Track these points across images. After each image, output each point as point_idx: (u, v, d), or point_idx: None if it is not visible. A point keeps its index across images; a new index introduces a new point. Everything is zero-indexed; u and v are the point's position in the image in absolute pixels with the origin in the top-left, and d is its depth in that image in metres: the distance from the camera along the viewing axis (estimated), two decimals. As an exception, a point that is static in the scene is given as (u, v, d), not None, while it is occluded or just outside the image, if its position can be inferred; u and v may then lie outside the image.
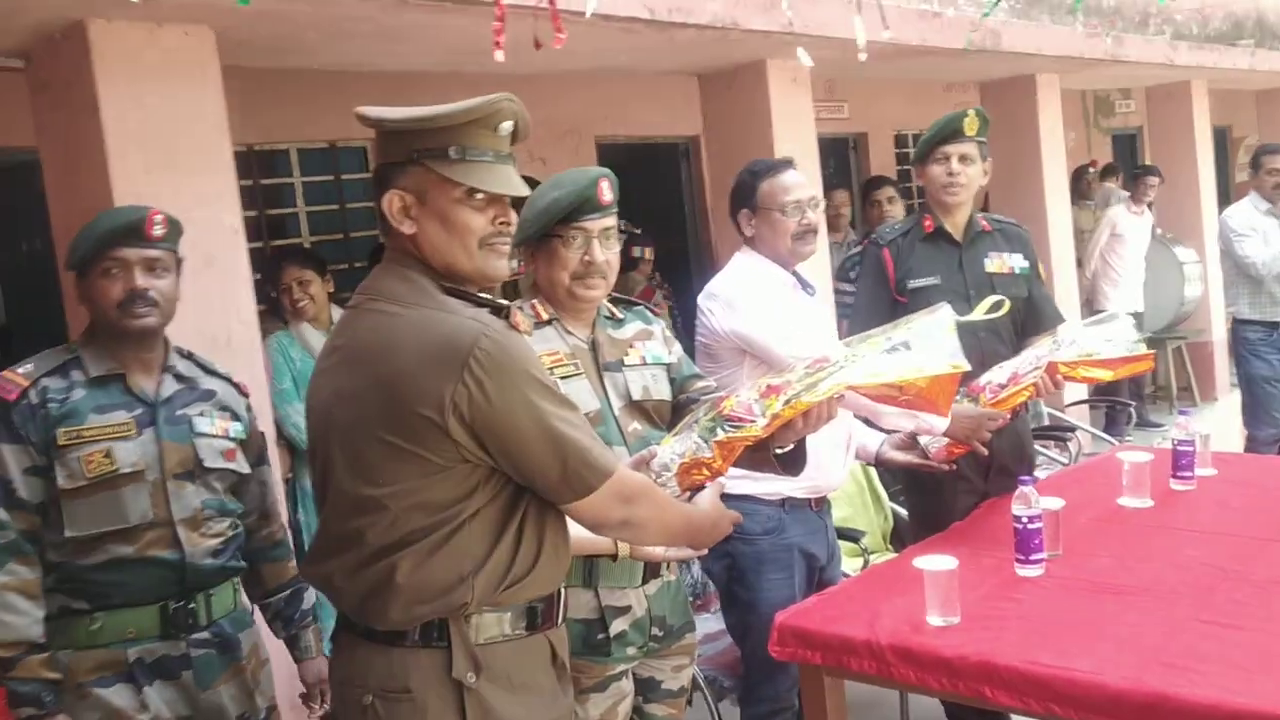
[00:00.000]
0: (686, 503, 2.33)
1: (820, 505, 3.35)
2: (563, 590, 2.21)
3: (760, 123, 5.61)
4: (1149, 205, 8.52)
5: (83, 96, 3.50)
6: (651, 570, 2.70)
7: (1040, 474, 4.45)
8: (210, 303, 3.63)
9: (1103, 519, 3.29)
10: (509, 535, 2.04)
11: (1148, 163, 9.25)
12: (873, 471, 4.68)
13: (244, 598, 2.87)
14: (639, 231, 6.69)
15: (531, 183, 2.51)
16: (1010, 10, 6.26)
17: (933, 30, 5.51)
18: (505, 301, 2.11)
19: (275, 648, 2.96)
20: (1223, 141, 12.41)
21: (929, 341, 2.56)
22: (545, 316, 2.68)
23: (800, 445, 2.53)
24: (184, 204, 3.41)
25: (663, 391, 2.78)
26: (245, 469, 2.81)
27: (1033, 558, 2.85)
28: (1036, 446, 4.90)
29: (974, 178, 3.67)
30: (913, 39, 5.56)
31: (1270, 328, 6.14)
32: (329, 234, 6.32)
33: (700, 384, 2.84)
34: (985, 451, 3.34)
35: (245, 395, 2.90)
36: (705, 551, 2.45)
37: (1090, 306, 8.11)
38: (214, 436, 2.72)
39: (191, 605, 2.64)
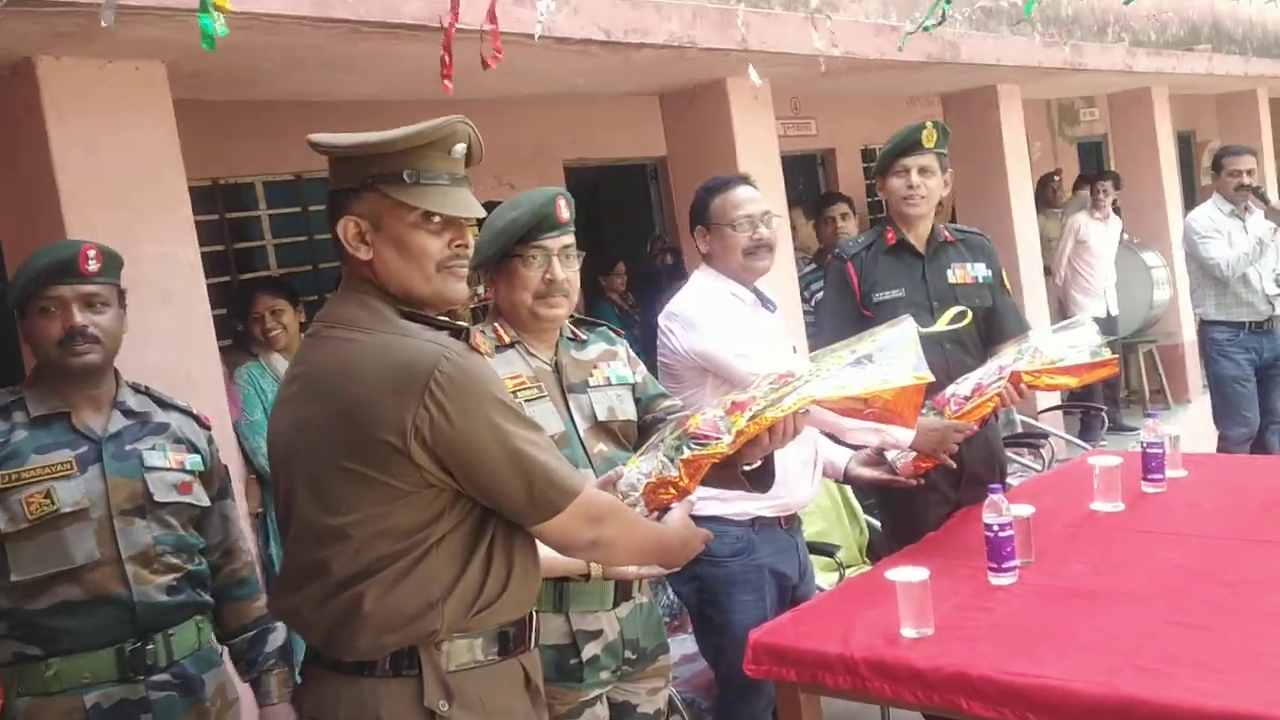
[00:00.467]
0: (656, 522, 2.32)
1: (790, 523, 3.33)
2: (535, 613, 2.20)
3: (723, 142, 5.61)
4: (1116, 211, 8.59)
5: (33, 134, 3.47)
6: (623, 592, 2.68)
7: (1013, 481, 4.45)
8: (168, 339, 3.59)
9: (1075, 524, 3.29)
10: (478, 559, 2.03)
11: (1112, 169, 9.32)
12: (847, 486, 4.67)
13: (211, 636, 2.80)
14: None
15: (492, 208, 2.50)
16: (969, 22, 6.29)
17: (890, 44, 5.54)
18: (465, 324, 2.10)
19: (247, 687, 2.91)
20: (1187, 146, 12.53)
21: (893, 354, 2.57)
22: (507, 339, 2.67)
23: (768, 461, 2.52)
24: (139, 240, 3.40)
25: (628, 412, 2.77)
26: (204, 501, 2.76)
27: (1005, 566, 2.85)
28: (1009, 454, 4.92)
29: (934, 189, 3.69)
30: (870, 53, 5.58)
31: (1237, 328, 6.17)
32: (297, 266, 6.29)
33: (666, 403, 2.83)
34: (953, 464, 3.34)
35: (206, 428, 2.87)
36: (678, 569, 2.44)
37: (1063, 313, 8.17)
38: (166, 470, 2.68)
39: (149, 646, 2.59)
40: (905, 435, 3.13)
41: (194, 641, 2.70)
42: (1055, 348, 3.32)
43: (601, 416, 2.70)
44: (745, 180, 3.32)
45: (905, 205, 3.69)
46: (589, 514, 2.07)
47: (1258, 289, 6.12)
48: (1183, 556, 2.91)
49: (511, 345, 2.67)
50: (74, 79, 3.48)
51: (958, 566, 2.99)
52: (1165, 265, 8.86)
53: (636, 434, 2.76)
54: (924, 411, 3.12)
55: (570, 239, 2.67)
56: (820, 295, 5.18)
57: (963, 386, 3.32)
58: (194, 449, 2.77)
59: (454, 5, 2.85)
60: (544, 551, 2.18)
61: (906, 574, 2.63)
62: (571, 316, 2.79)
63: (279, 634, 2.90)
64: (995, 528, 2.84)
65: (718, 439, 2.36)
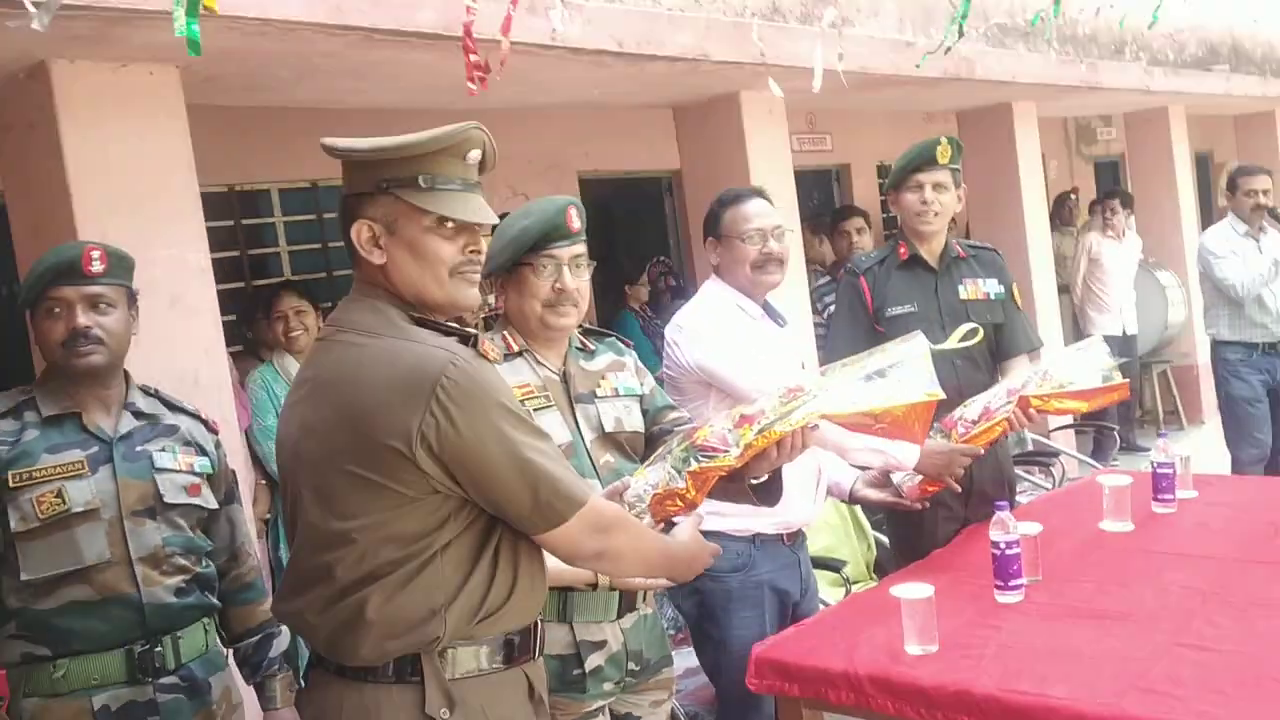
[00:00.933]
0: (663, 534, 2.32)
1: (793, 539, 3.30)
2: (540, 622, 2.19)
3: (737, 155, 5.61)
4: (1133, 230, 8.58)
5: (46, 138, 3.48)
6: (627, 604, 2.67)
7: (1023, 499, 4.43)
8: (176, 342, 3.60)
9: (1084, 544, 3.26)
10: (483, 566, 2.02)
11: (1129, 190, 9.30)
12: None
13: (217, 639, 2.81)
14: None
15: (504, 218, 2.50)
16: (985, 39, 6.29)
17: (905, 59, 5.54)
18: (473, 330, 2.10)
19: (251, 691, 2.90)
20: (1204, 167, 12.48)
21: (905, 370, 2.55)
22: (516, 348, 2.67)
23: (776, 475, 2.52)
24: (149, 244, 3.40)
25: (635, 423, 2.76)
26: (212, 504, 2.77)
27: (1012, 584, 2.83)
28: (1020, 472, 4.90)
29: (948, 205, 3.68)
30: (885, 68, 5.58)
31: (1250, 349, 6.14)
32: (311, 273, 6.30)
33: (673, 415, 2.83)
34: (959, 489, 3.32)
35: (214, 432, 2.87)
36: (686, 581, 2.43)
37: (1078, 331, 8.16)
38: (176, 471, 2.68)
39: (158, 648, 2.60)
40: (909, 457, 3.11)
41: (201, 644, 2.71)
42: (1065, 371, 3.28)
43: (609, 427, 2.70)
44: (759, 193, 3.32)
45: (918, 221, 3.68)
46: (595, 524, 2.06)
47: (1272, 310, 6.08)
48: (1190, 578, 2.88)
49: (520, 354, 2.67)
50: (88, 83, 3.49)
51: (964, 584, 2.98)
52: (1181, 285, 8.84)
53: (643, 445, 2.75)
54: (931, 434, 3.10)
55: (581, 248, 2.67)
56: (833, 308, 5.17)
57: (971, 409, 3.30)
58: (202, 452, 2.78)
59: (468, 14, 2.86)
60: (552, 560, 2.16)
61: (911, 590, 2.61)
62: (580, 326, 2.79)
63: (283, 638, 2.90)
64: (1002, 545, 2.81)
65: (725, 452, 2.35)
